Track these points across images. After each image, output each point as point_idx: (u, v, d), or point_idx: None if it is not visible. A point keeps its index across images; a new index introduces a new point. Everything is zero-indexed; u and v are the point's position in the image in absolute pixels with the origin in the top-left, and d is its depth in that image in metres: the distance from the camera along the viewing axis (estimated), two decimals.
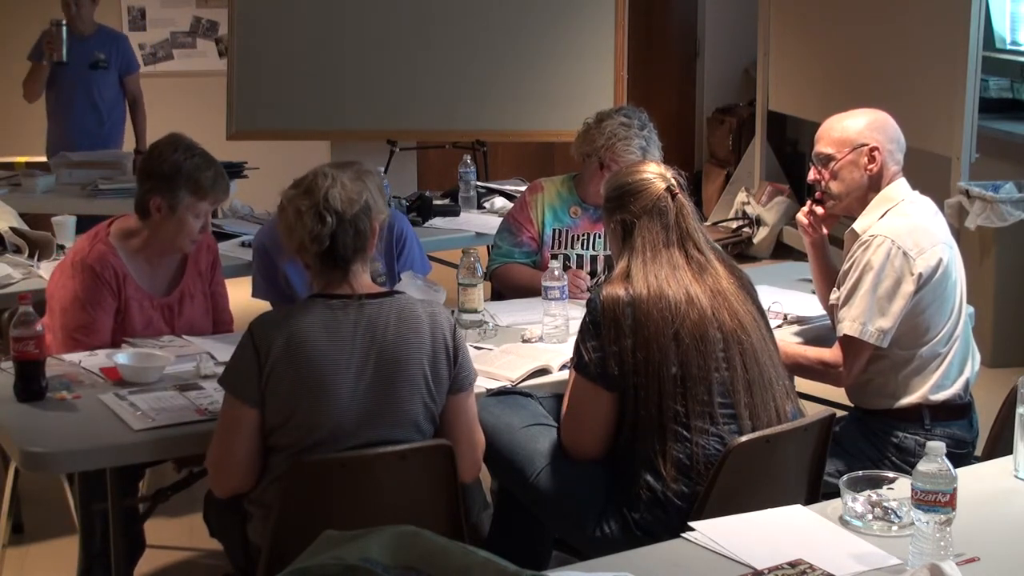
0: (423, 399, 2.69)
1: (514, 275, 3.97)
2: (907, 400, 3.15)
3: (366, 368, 2.63)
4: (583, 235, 3.97)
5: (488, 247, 4.43)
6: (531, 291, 3.79)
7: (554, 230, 3.98)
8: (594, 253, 3.95)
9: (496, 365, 3.16)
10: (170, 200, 3.29)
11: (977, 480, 2.46)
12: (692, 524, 2.29)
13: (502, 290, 4.05)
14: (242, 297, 3.95)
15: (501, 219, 4.26)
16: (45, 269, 3.97)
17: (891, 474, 2.40)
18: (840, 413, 3.10)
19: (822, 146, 3.27)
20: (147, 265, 3.42)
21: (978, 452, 3.16)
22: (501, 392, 3.02)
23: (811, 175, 3.32)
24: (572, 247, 3.96)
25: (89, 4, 6.18)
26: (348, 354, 2.61)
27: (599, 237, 3.94)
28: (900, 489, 2.31)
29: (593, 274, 3.91)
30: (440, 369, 2.71)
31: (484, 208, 5.18)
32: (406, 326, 2.67)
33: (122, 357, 3.07)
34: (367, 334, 2.64)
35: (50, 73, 6.20)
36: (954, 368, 3.18)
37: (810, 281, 3.60)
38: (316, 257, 2.67)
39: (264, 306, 3.61)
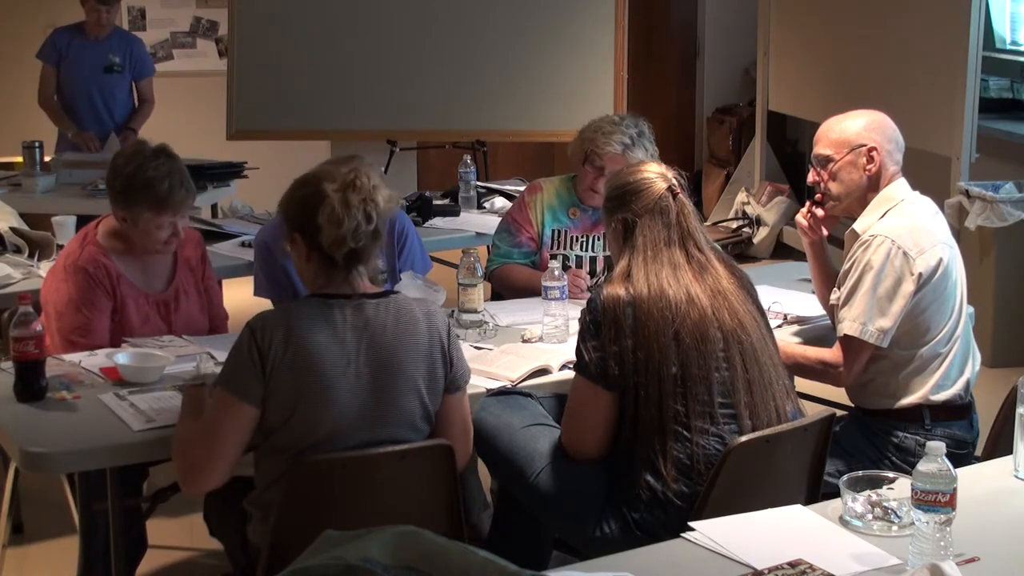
0: (420, 399, 2.69)
1: (513, 276, 3.97)
2: (907, 400, 3.15)
3: (364, 368, 2.62)
4: (582, 236, 3.96)
5: (488, 247, 4.43)
6: (530, 291, 3.79)
7: (553, 230, 3.98)
8: (593, 254, 3.94)
9: (496, 365, 3.16)
10: (130, 215, 3.31)
11: (977, 480, 2.46)
12: (692, 524, 2.29)
13: (501, 291, 4.04)
14: (242, 297, 3.95)
15: (500, 219, 4.26)
16: (45, 269, 3.97)
17: (891, 474, 2.40)
18: (840, 413, 3.10)
19: (820, 147, 3.27)
20: (138, 263, 3.42)
21: (978, 452, 3.17)
22: (501, 392, 3.02)
23: (810, 177, 3.32)
24: (571, 248, 3.96)
25: (116, 10, 6.17)
26: (347, 353, 2.61)
27: (598, 239, 3.94)
28: (900, 489, 2.31)
29: (592, 275, 3.91)
30: (436, 369, 2.71)
31: (484, 208, 5.18)
32: (403, 326, 2.67)
33: (122, 357, 3.07)
34: (365, 334, 2.63)
35: (61, 75, 6.19)
36: (954, 368, 3.18)
37: (810, 281, 3.60)
38: (344, 255, 2.63)
39: (264, 304, 3.62)
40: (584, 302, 2.83)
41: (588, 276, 3.85)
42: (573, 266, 3.94)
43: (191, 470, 2.61)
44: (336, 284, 2.67)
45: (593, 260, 3.94)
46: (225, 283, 3.90)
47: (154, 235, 3.34)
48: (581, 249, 3.95)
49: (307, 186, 2.67)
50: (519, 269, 3.97)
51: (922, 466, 2.05)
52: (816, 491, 2.79)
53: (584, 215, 3.96)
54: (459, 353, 2.78)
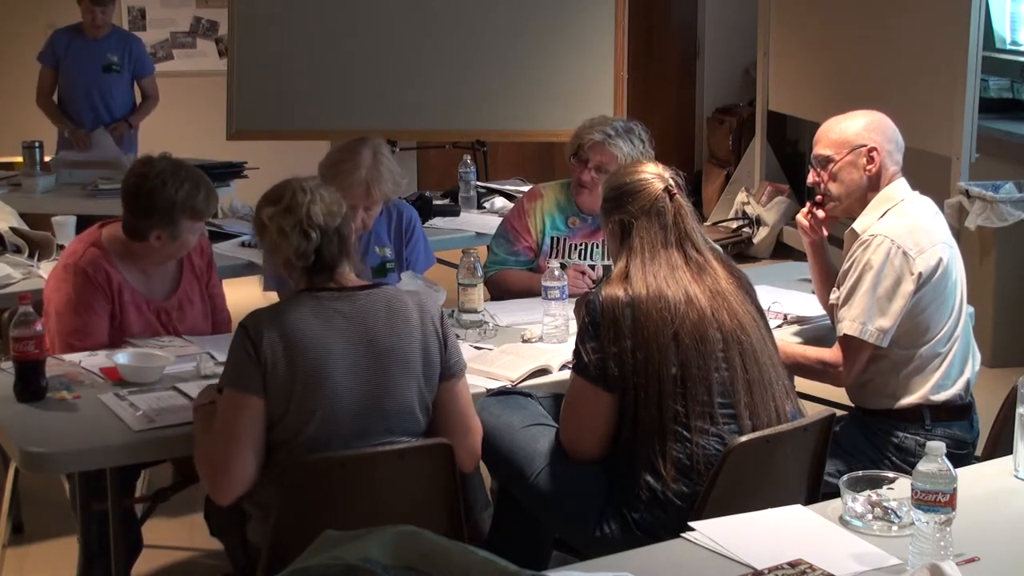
0: (419, 386, 2.71)
1: (509, 281, 3.95)
2: (908, 400, 3.15)
3: (361, 358, 2.64)
4: (580, 245, 3.95)
5: (488, 247, 4.43)
6: (529, 293, 3.79)
7: (552, 238, 3.97)
8: (592, 263, 3.92)
9: (496, 365, 3.16)
10: (171, 231, 3.32)
11: (977, 480, 2.46)
12: (692, 524, 2.29)
13: (497, 296, 4.03)
14: (242, 297, 3.96)
15: (501, 219, 4.25)
16: (45, 269, 3.97)
17: (891, 474, 2.40)
18: (840, 413, 3.10)
19: (821, 148, 3.27)
20: (142, 272, 3.42)
21: (978, 452, 3.17)
22: (501, 392, 3.02)
23: (810, 177, 3.33)
24: (569, 256, 3.94)
25: (111, 11, 6.19)
26: (342, 343, 2.63)
27: (597, 247, 3.93)
28: (900, 489, 2.31)
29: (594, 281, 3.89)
30: (432, 356, 2.73)
31: (484, 208, 5.19)
32: (397, 315, 2.70)
33: (122, 357, 3.07)
34: (359, 325, 2.66)
35: (60, 75, 6.20)
36: (955, 368, 3.18)
37: (810, 281, 3.60)
38: (302, 270, 2.72)
39: (264, 304, 3.61)
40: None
41: (592, 271, 3.83)
42: None
43: (216, 477, 2.62)
44: (321, 283, 2.72)
45: (591, 268, 3.91)
46: (225, 283, 3.90)
47: (189, 241, 3.38)
48: (579, 257, 3.94)
49: (256, 212, 2.79)
50: (515, 274, 3.96)
51: (922, 466, 2.05)
52: (816, 491, 2.79)
53: (584, 224, 3.95)
54: (453, 338, 2.80)
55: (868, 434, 3.18)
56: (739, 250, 7.60)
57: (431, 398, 2.75)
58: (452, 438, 2.71)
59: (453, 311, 3.49)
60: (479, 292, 3.53)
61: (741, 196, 7.95)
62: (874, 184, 3.22)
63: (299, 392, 2.60)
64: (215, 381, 2.94)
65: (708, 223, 7.93)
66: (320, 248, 2.69)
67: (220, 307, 3.63)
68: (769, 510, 2.38)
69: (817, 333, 3.46)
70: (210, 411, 2.69)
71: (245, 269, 4.26)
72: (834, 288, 3.22)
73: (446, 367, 2.76)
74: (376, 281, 2.83)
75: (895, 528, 2.25)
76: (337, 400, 2.62)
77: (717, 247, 2.90)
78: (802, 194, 7.47)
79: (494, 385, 3.06)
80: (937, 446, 2.06)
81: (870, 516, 2.29)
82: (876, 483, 2.36)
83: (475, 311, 3.52)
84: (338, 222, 2.73)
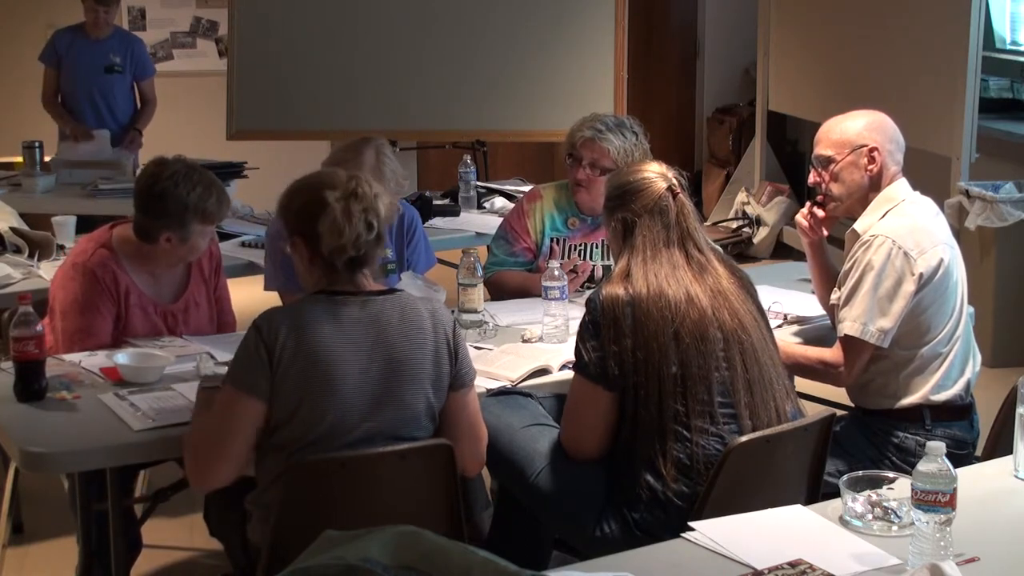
0: (426, 396, 2.70)
1: (507, 282, 3.95)
2: (908, 400, 3.15)
3: (371, 364, 2.63)
4: (580, 245, 3.95)
5: (488, 248, 4.43)
6: (524, 295, 3.79)
7: (552, 239, 3.97)
8: (591, 263, 3.92)
9: (496, 365, 3.16)
10: (182, 234, 3.31)
11: (977, 480, 2.46)
12: (692, 524, 2.29)
13: (496, 297, 4.03)
14: (242, 297, 3.95)
15: (501, 219, 4.25)
16: (45, 269, 3.98)
17: (891, 474, 2.40)
18: (840, 413, 3.10)
19: (821, 148, 3.27)
20: (150, 274, 3.42)
21: (978, 452, 3.17)
22: (501, 392, 3.02)
23: (811, 178, 3.32)
24: (569, 257, 3.94)
25: (115, 11, 6.20)
26: (353, 349, 2.62)
27: (596, 247, 3.93)
28: (900, 489, 2.31)
29: (592, 281, 3.89)
30: (442, 366, 2.72)
31: (484, 208, 5.19)
32: (409, 324, 2.68)
33: (122, 357, 3.07)
34: (372, 331, 2.64)
35: (61, 75, 6.20)
36: (955, 368, 3.18)
37: (810, 281, 3.60)
38: (345, 261, 2.65)
39: (268, 303, 3.61)
40: (584, 295, 2.83)
41: (590, 264, 3.84)
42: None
43: (200, 468, 2.62)
44: (340, 284, 2.68)
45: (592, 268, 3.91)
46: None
47: (200, 245, 3.37)
48: (579, 258, 3.94)
49: (308, 192, 2.69)
50: (512, 274, 3.96)
51: (922, 466, 2.04)
52: (816, 491, 2.79)
53: (583, 224, 3.95)
54: (465, 349, 2.79)
55: (868, 434, 3.18)
56: (739, 250, 7.61)
57: (439, 407, 2.74)
58: (460, 445, 2.71)
59: (453, 311, 3.49)
60: (479, 292, 3.53)
61: (741, 196, 7.95)
62: (875, 184, 3.22)
63: (309, 396, 2.59)
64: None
65: (708, 223, 7.93)
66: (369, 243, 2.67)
67: (226, 309, 3.63)
68: (769, 510, 2.38)
69: (817, 333, 3.46)
70: (211, 398, 2.67)
71: (245, 269, 4.26)
72: (835, 288, 3.22)
73: (456, 377, 2.75)
74: (391, 287, 2.82)
75: (895, 528, 2.25)
76: (346, 406, 2.60)
77: (718, 247, 2.91)
78: (802, 194, 7.47)
79: (494, 385, 3.06)
80: (937, 446, 2.06)
81: (870, 516, 2.29)
82: (876, 483, 2.36)
83: (475, 311, 3.52)
84: (385, 226, 2.72)
